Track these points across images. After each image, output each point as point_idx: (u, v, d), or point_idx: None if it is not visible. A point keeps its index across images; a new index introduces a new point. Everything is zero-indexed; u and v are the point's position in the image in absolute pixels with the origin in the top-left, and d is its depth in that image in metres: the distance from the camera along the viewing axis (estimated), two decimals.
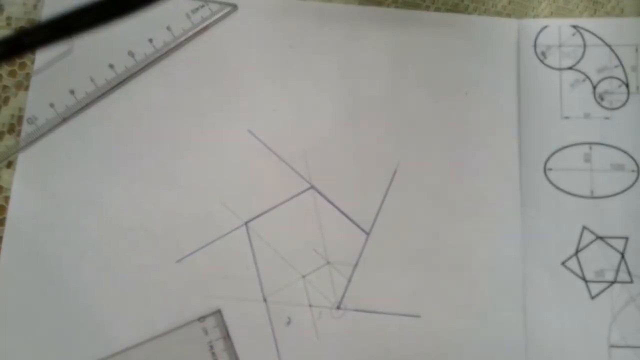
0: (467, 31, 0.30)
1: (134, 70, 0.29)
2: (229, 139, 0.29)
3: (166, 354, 0.26)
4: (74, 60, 0.29)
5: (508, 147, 0.29)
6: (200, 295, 0.27)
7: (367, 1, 0.30)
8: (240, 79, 0.29)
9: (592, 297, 0.28)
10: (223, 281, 0.27)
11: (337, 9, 0.30)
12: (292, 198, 0.28)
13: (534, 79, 0.30)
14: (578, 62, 0.30)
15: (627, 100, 0.30)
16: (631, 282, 0.28)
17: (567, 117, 0.29)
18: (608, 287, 0.28)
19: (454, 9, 0.31)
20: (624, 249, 0.28)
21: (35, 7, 0.29)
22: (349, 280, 0.28)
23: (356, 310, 0.27)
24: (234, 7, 0.30)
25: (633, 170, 0.29)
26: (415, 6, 0.31)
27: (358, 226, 0.28)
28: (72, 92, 0.28)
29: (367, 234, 0.28)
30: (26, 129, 0.28)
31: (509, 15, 0.31)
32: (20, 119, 0.28)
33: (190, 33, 0.29)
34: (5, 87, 0.29)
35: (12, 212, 0.27)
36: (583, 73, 0.30)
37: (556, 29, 0.30)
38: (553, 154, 0.29)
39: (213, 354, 0.26)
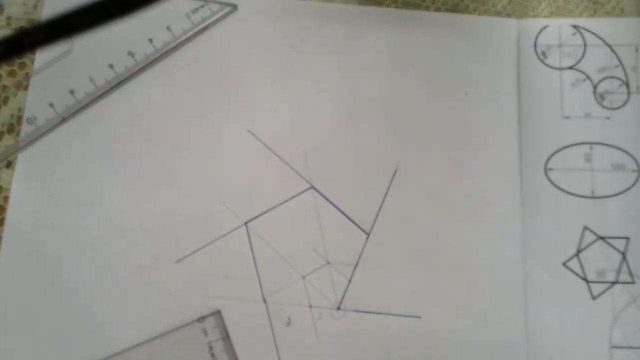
0: (467, 31, 0.30)
1: (133, 70, 0.29)
2: (229, 139, 0.29)
3: (165, 355, 0.26)
4: (74, 60, 0.29)
5: (508, 147, 0.29)
6: (200, 296, 0.27)
7: (367, 1, 0.30)
8: (240, 79, 0.29)
9: (594, 298, 0.28)
10: (223, 281, 0.27)
11: (337, 9, 0.30)
12: (292, 198, 0.28)
13: (534, 78, 0.30)
14: (578, 62, 0.30)
15: (627, 100, 0.29)
16: (632, 282, 0.28)
17: (567, 117, 0.29)
18: (609, 287, 0.28)
19: (454, 9, 0.31)
20: (625, 249, 0.28)
21: (35, 7, 0.29)
22: (349, 281, 0.28)
23: (356, 310, 0.27)
24: (234, 7, 0.30)
25: (634, 170, 0.29)
26: (415, 6, 0.31)
27: (358, 226, 0.28)
28: (71, 92, 0.28)
29: (367, 234, 0.28)
30: (26, 128, 0.28)
31: (509, 15, 0.31)
32: (19, 118, 0.28)
33: (190, 33, 0.29)
34: (4, 87, 0.28)
35: (12, 212, 0.27)
36: (583, 73, 0.30)
37: (556, 29, 0.30)
38: (553, 153, 0.29)
39: (212, 354, 0.26)
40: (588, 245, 0.28)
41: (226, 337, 0.27)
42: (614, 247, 0.28)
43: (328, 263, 0.28)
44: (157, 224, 0.28)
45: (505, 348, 0.27)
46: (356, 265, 0.28)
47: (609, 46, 0.30)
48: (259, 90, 0.29)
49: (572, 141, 0.29)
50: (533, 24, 0.30)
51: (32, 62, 0.29)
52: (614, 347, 0.27)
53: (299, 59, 0.30)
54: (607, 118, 0.29)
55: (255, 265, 0.27)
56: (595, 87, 0.30)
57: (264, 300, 0.27)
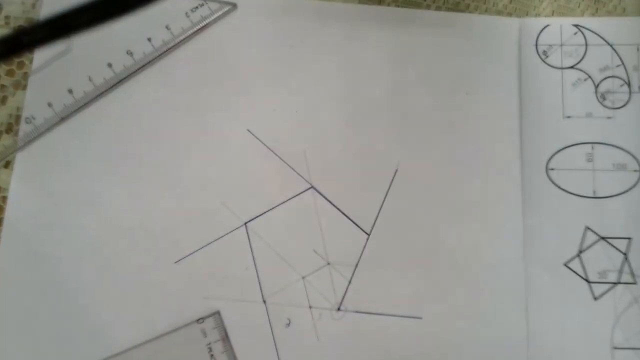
0: (468, 30, 0.30)
1: (132, 69, 0.29)
2: (229, 138, 0.29)
3: (165, 356, 0.26)
4: (73, 59, 0.29)
5: (509, 147, 0.29)
6: (199, 296, 0.27)
7: (367, 0, 0.30)
8: (240, 78, 0.29)
9: (595, 298, 0.27)
10: (222, 282, 0.27)
11: (337, 8, 0.30)
12: (292, 198, 0.28)
13: (536, 78, 0.30)
14: (580, 61, 0.30)
15: (629, 100, 0.29)
16: (634, 283, 0.28)
17: (569, 117, 0.29)
18: (611, 288, 0.28)
19: (455, 8, 0.31)
20: (627, 249, 0.28)
21: (33, 6, 0.29)
22: (349, 281, 0.27)
23: (356, 311, 0.27)
24: (234, 6, 0.30)
25: (635, 170, 0.29)
26: (416, 5, 0.30)
27: (358, 226, 0.28)
28: (70, 91, 0.28)
29: (368, 234, 0.28)
30: (24, 128, 0.28)
31: (510, 14, 0.31)
32: (18, 118, 0.28)
33: (190, 32, 0.29)
34: (3, 86, 0.28)
35: (10, 212, 0.27)
36: (585, 72, 0.30)
37: (558, 28, 0.30)
38: (555, 153, 0.29)
39: (212, 355, 0.26)
40: (589, 246, 0.28)
41: (226, 338, 0.27)
42: (615, 248, 0.28)
43: (328, 263, 0.28)
44: (157, 224, 0.28)
45: (506, 349, 0.27)
46: (356, 265, 0.28)
47: (611, 45, 0.30)
48: (259, 90, 0.29)
49: (573, 141, 0.29)
50: (534, 23, 0.30)
51: (31, 61, 0.29)
52: (616, 348, 0.27)
53: (299, 58, 0.29)
54: (609, 118, 0.29)
55: (255, 265, 0.27)
56: (596, 86, 0.30)
57: (264, 301, 0.27)
